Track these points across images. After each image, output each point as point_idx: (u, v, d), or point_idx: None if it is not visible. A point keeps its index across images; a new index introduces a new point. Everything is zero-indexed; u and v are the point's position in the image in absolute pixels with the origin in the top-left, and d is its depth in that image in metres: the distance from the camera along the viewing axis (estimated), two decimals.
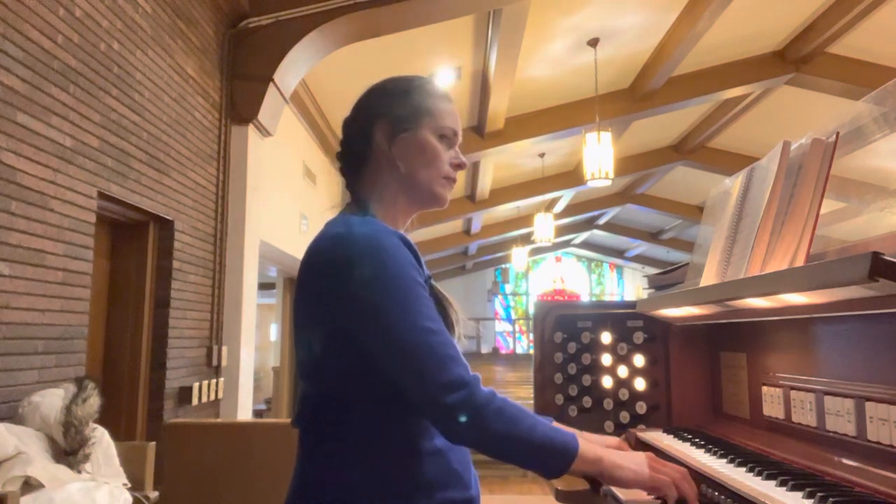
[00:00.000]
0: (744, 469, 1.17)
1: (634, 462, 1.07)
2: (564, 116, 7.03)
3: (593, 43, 5.76)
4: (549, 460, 1.02)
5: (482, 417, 0.98)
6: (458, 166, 1.21)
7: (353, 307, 1.02)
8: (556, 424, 1.11)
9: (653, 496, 1.17)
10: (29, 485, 1.96)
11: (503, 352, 15.77)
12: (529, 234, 10.73)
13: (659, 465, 1.09)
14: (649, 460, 1.09)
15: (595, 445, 1.07)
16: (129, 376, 3.38)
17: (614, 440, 1.34)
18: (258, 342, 6.88)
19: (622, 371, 1.78)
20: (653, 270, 7.90)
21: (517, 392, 8.08)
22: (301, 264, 1.10)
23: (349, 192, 1.23)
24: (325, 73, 5.37)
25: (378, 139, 1.18)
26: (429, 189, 1.18)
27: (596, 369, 1.79)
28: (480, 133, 7.11)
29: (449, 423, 0.99)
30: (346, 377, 1.05)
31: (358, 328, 1.02)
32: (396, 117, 1.17)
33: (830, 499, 0.94)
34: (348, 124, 1.24)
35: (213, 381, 3.97)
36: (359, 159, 1.20)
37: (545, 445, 1.02)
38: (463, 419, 0.97)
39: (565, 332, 1.82)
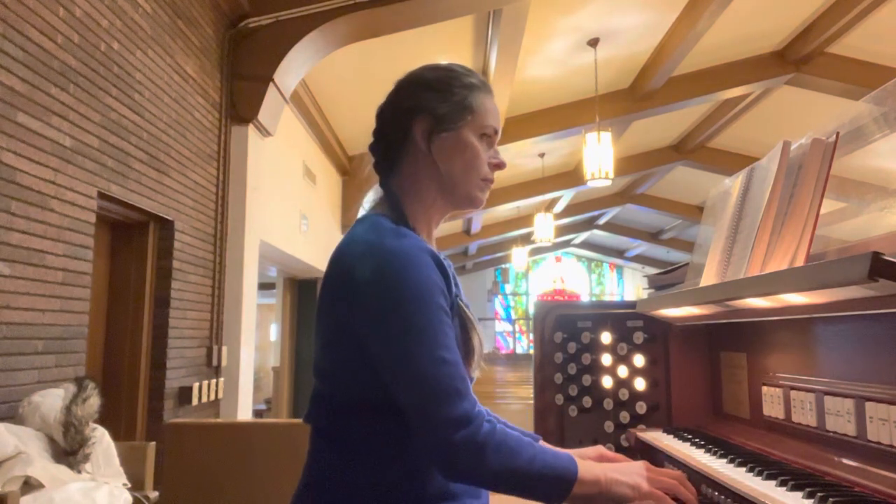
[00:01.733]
0: (744, 469, 1.17)
1: (631, 475, 1.06)
2: (564, 116, 7.04)
3: (593, 43, 5.76)
4: (549, 490, 1.01)
5: (483, 456, 0.96)
6: (497, 166, 1.16)
7: (370, 323, 1.00)
8: (542, 444, 1.10)
9: None
10: (29, 485, 1.96)
11: (503, 352, 15.78)
12: (529, 234, 10.73)
13: (655, 473, 1.09)
14: (647, 471, 1.08)
15: (593, 465, 1.05)
16: (129, 376, 3.38)
17: (592, 450, 1.26)
18: (258, 342, 6.88)
19: (622, 371, 1.78)
20: (653, 270, 7.90)
21: (517, 392, 8.07)
22: (329, 262, 1.07)
23: (382, 188, 1.17)
24: (325, 73, 5.36)
25: (416, 136, 1.12)
26: (467, 192, 1.14)
27: (596, 369, 1.79)
28: None
29: (449, 461, 0.96)
30: (358, 384, 1.04)
31: (371, 344, 1.00)
32: (438, 115, 1.11)
33: (830, 499, 0.94)
34: (384, 114, 1.17)
35: (213, 381, 3.97)
36: (395, 155, 1.15)
37: (545, 477, 1.00)
38: (461, 458, 0.96)
39: (565, 332, 1.82)
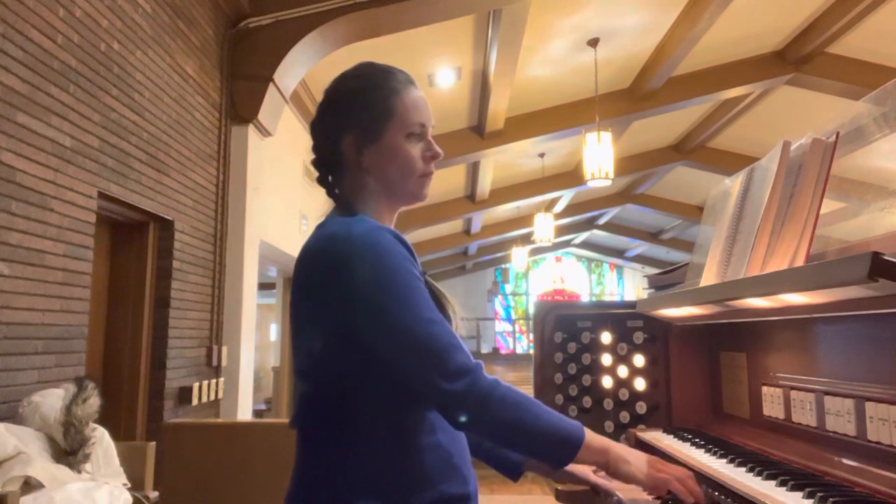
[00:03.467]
0: (744, 469, 1.17)
1: (638, 459, 1.07)
2: (564, 116, 7.03)
3: (593, 43, 5.76)
4: (554, 448, 1.03)
5: (487, 404, 0.99)
6: (433, 157, 1.17)
7: (353, 305, 1.02)
8: None
9: (652, 497, 1.17)
10: (29, 485, 1.96)
11: (503, 352, 15.77)
12: (529, 234, 10.73)
13: (656, 471, 1.08)
14: (651, 462, 1.08)
15: (601, 436, 1.07)
16: (129, 376, 3.38)
17: None
18: (258, 342, 6.88)
19: (622, 371, 1.78)
20: (653, 270, 7.89)
21: None
22: (296, 265, 1.09)
23: (331, 198, 1.20)
24: (325, 73, 5.35)
25: (347, 153, 1.15)
26: (407, 192, 1.17)
27: (596, 369, 1.79)
28: (480, 133, 7.10)
29: (454, 411, 0.99)
30: (345, 376, 1.05)
31: (359, 326, 1.02)
32: (361, 128, 1.14)
33: (830, 499, 0.94)
34: (316, 133, 1.20)
35: (213, 381, 3.97)
36: (333, 170, 1.18)
37: (550, 433, 1.02)
38: (468, 406, 0.98)
39: (565, 332, 1.82)
